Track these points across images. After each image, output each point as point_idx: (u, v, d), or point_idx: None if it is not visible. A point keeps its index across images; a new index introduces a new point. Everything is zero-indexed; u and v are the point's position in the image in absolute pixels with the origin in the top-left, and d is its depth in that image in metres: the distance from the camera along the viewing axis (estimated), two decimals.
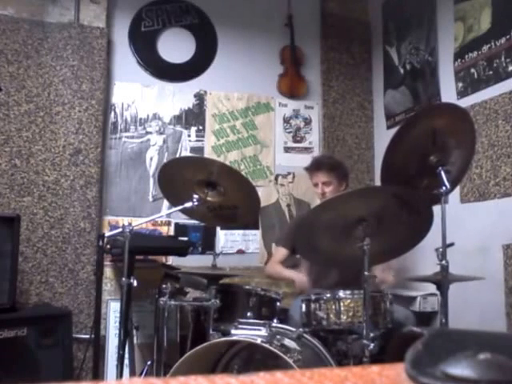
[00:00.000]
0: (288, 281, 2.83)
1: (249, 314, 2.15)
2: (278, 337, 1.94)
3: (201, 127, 3.56)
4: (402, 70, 3.57)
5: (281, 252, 2.89)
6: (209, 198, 2.23)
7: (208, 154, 3.51)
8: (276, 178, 3.67)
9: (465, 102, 2.84)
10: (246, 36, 3.69)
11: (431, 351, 0.38)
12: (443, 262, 1.84)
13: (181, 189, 2.25)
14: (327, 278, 2.64)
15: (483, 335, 0.42)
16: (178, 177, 2.25)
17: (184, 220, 3.30)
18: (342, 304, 2.04)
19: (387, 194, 1.90)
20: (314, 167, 2.83)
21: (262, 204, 3.50)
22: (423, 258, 2.58)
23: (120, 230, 2.11)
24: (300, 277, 2.66)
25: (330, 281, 2.62)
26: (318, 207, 2.14)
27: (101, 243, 2.40)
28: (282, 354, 1.77)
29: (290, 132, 3.75)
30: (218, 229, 3.47)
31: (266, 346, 1.81)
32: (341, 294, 2.07)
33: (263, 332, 1.90)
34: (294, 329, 2.05)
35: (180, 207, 2.21)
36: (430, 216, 1.89)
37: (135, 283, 2.11)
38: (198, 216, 2.45)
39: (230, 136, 3.60)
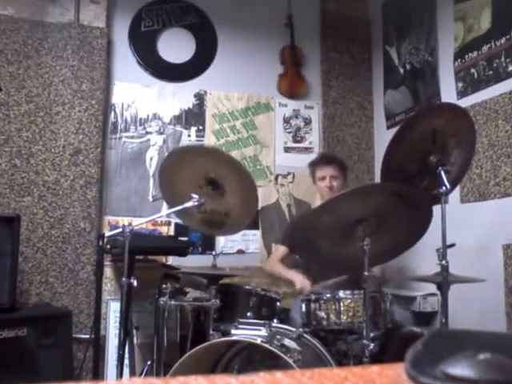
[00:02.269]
0: (288, 281, 2.81)
1: (249, 314, 2.15)
2: (278, 337, 1.94)
3: (201, 127, 3.56)
4: (401, 70, 3.57)
5: (281, 250, 2.90)
6: (209, 203, 2.22)
7: None
8: (276, 178, 3.67)
9: (465, 102, 2.83)
10: (246, 36, 3.69)
11: (431, 351, 0.38)
12: (443, 262, 1.84)
13: (181, 187, 2.24)
14: (327, 279, 2.63)
15: (483, 335, 0.42)
16: (179, 170, 2.23)
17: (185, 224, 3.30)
18: (342, 304, 2.04)
19: (386, 192, 1.90)
20: (325, 161, 2.84)
21: (262, 204, 3.51)
22: (423, 258, 2.59)
23: (120, 230, 2.11)
24: (301, 278, 2.58)
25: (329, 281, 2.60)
26: (318, 209, 2.14)
27: (101, 243, 2.39)
28: (282, 354, 1.77)
29: (290, 132, 3.75)
30: None
31: (266, 346, 1.81)
32: (341, 294, 2.07)
33: (263, 332, 1.90)
34: (294, 329, 2.05)
35: (180, 207, 2.21)
36: (429, 212, 1.89)
37: (135, 283, 2.11)
38: (191, 220, 2.41)
39: (230, 136, 3.60)
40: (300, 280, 2.58)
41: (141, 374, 2.63)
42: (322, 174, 2.78)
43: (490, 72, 2.76)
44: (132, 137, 3.41)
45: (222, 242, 3.47)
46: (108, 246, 2.59)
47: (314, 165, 2.87)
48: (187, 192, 2.20)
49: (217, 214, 2.28)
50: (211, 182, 2.22)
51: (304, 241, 2.07)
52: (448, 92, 3.06)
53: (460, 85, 2.98)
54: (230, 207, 2.26)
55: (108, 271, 3.13)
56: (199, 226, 2.42)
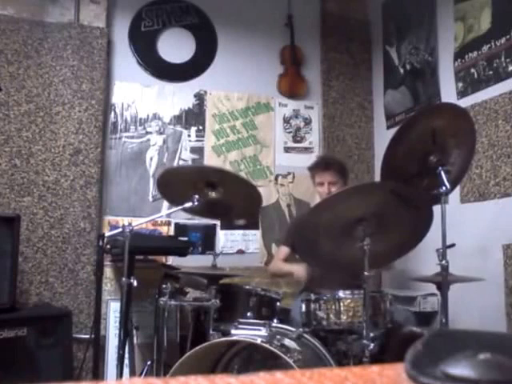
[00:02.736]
0: (289, 275, 2.83)
1: (249, 314, 2.15)
2: (278, 337, 1.94)
3: (201, 127, 3.56)
4: (402, 70, 3.57)
5: (283, 250, 2.90)
6: (209, 197, 2.23)
7: (208, 154, 3.52)
8: (276, 178, 3.67)
9: (465, 102, 2.83)
10: (246, 36, 3.69)
11: (431, 351, 0.38)
12: (443, 262, 1.84)
13: (181, 191, 2.24)
14: (328, 279, 2.63)
15: (483, 335, 0.42)
16: (177, 184, 2.24)
17: (184, 220, 3.30)
18: (341, 304, 2.04)
19: (385, 191, 1.90)
20: (323, 167, 2.80)
21: (262, 204, 3.51)
22: (423, 258, 2.58)
23: (120, 230, 2.11)
24: (298, 268, 2.64)
25: (331, 282, 2.60)
26: (317, 207, 2.13)
27: (101, 243, 2.40)
28: (282, 354, 1.77)
29: (290, 132, 3.75)
30: (218, 229, 3.47)
31: (266, 346, 1.81)
32: (341, 294, 2.06)
33: (263, 332, 1.90)
34: (294, 329, 2.05)
35: (180, 207, 2.21)
36: (429, 212, 1.88)
37: (135, 283, 2.11)
38: (194, 210, 2.42)
39: (230, 136, 3.60)
40: (297, 270, 2.64)
41: (141, 373, 2.63)
42: (320, 180, 2.77)
43: (490, 72, 2.76)
44: (132, 137, 3.41)
45: (222, 241, 3.47)
46: (108, 246, 2.60)
47: (312, 169, 2.86)
48: (187, 192, 2.20)
49: (219, 205, 2.27)
50: (211, 184, 2.22)
51: (304, 241, 2.07)
52: (448, 92, 3.06)
53: (460, 85, 2.98)
54: (233, 200, 2.25)
55: (108, 271, 3.13)
56: (201, 214, 2.42)
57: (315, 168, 2.84)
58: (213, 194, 2.23)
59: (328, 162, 2.84)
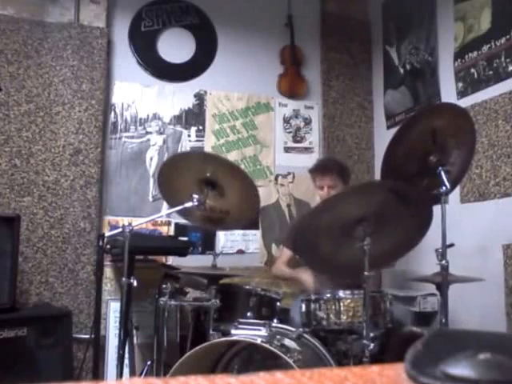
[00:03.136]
0: (294, 281, 2.83)
1: (249, 314, 2.15)
2: (278, 337, 1.94)
3: (201, 127, 3.56)
4: (402, 70, 3.57)
5: (286, 253, 2.91)
6: (208, 201, 2.23)
7: None
8: (276, 178, 3.67)
9: (465, 102, 2.83)
10: (246, 36, 3.69)
11: (431, 351, 0.38)
12: (443, 262, 1.84)
13: (180, 188, 2.24)
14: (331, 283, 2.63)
15: (483, 335, 0.42)
16: (177, 174, 2.24)
17: (184, 220, 3.30)
18: (342, 304, 2.04)
19: (384, 190, 1.90)
20: (321, 171, 2.80)
21: (262, 204, 3.50)
22: (423, 259, 2.58)
23: (120, 230, 2.11)
24: (306, 275, 2.64)
25: (332, 282, 2.61)
26: (317, 209, 2.13)
27: (101, 243, 2.39)
28: (282, 354, 1.77)
29: (289, 132, 3.75)
30: None
31: (266, 346, 1.81)
32: (341, 294, 2.07)
33: (263, 332, 1.90)
34: (294, 329, 2.05)
35: (180, 207, 2.21)
36: (429, 211, 1.88)
37: (135, 283, 2.11)
38: (190, 216, 2.43)
39: (230, 136, 3.60)
40: (305, 277, 2.64)
41: (141, 373, 2.63)
42: (320, 184, 2.78)
43: (490, 72, 2.76)
44: (132, 137, 3.40)
45: (222, 241, 3.47)
46: (108, 246, 2.59)
47: (312, 172, 2.87)
48: (187, 192, 2.20)
49: (217, 211, 2.28)
50: (210, 182, 2.22)
51: (304, 242, 2.07)
52: (448, 92, 3.06)
53: (460, 85, 2.98)
54: (229, 205, 2.26)
55: (108, 271, 3.13)
56: (199, 222, 2.43)
57: (315, 171, 2.85)
58: (212, 194, 2.23)
59: (327, 166, 2.84)
